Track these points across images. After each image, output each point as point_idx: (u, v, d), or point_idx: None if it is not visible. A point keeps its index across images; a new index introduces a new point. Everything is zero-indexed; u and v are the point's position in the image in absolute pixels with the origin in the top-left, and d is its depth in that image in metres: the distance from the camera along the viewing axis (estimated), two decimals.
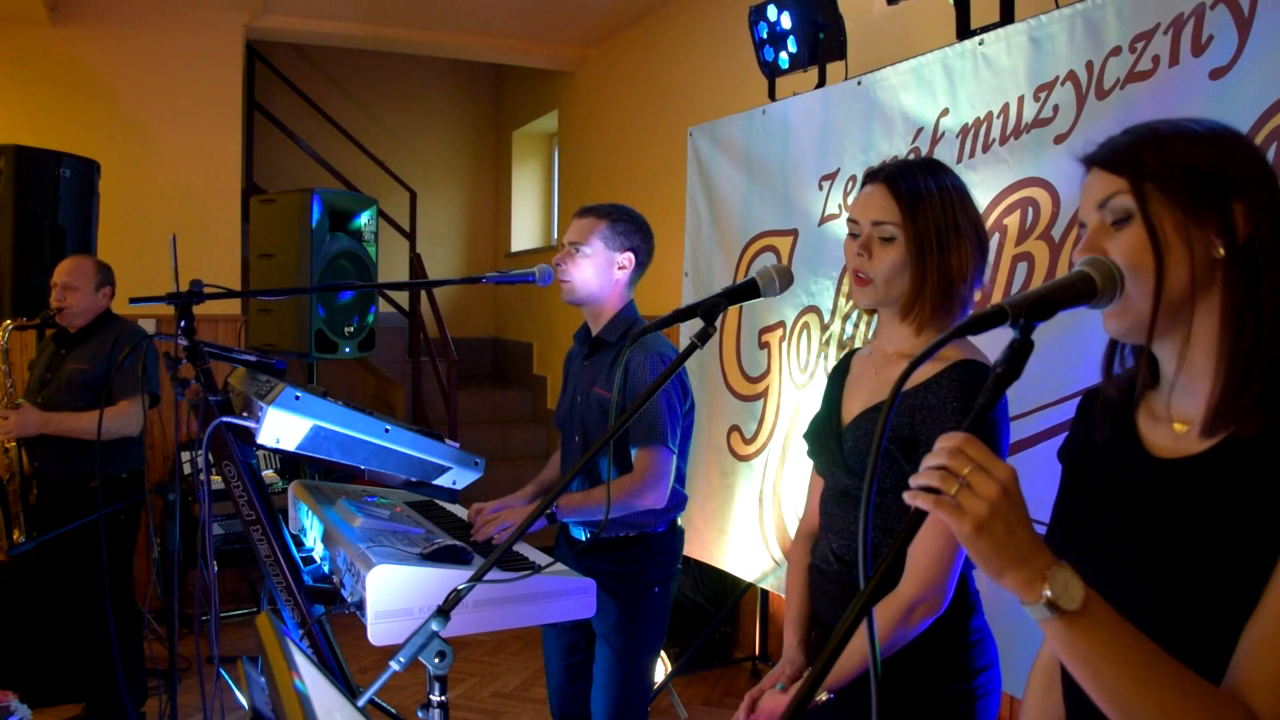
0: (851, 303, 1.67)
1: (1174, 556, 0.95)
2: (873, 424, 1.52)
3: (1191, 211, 0.95)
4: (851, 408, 1.61)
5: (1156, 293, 0.95)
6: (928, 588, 1.45)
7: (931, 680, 1.52)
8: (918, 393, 1.48)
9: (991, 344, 0.92)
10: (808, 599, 1.69)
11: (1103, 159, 1.02)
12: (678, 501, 2.33)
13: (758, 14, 3.44)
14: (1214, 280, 0.95)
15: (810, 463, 1.73)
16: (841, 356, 1.77)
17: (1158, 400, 1.05)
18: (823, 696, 1.47)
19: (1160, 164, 0.97)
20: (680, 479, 2.32)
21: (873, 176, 1.55)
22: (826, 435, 1.63)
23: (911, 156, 2.83)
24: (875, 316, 1.65)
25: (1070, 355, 2.21)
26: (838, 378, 1.71)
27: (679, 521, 2.43)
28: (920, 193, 1.48)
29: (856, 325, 1.72)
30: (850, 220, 1.56)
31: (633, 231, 2.38)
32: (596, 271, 2.34)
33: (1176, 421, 1.01)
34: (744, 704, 1.58)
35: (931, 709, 1.52)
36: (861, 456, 1.52)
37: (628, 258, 2.36)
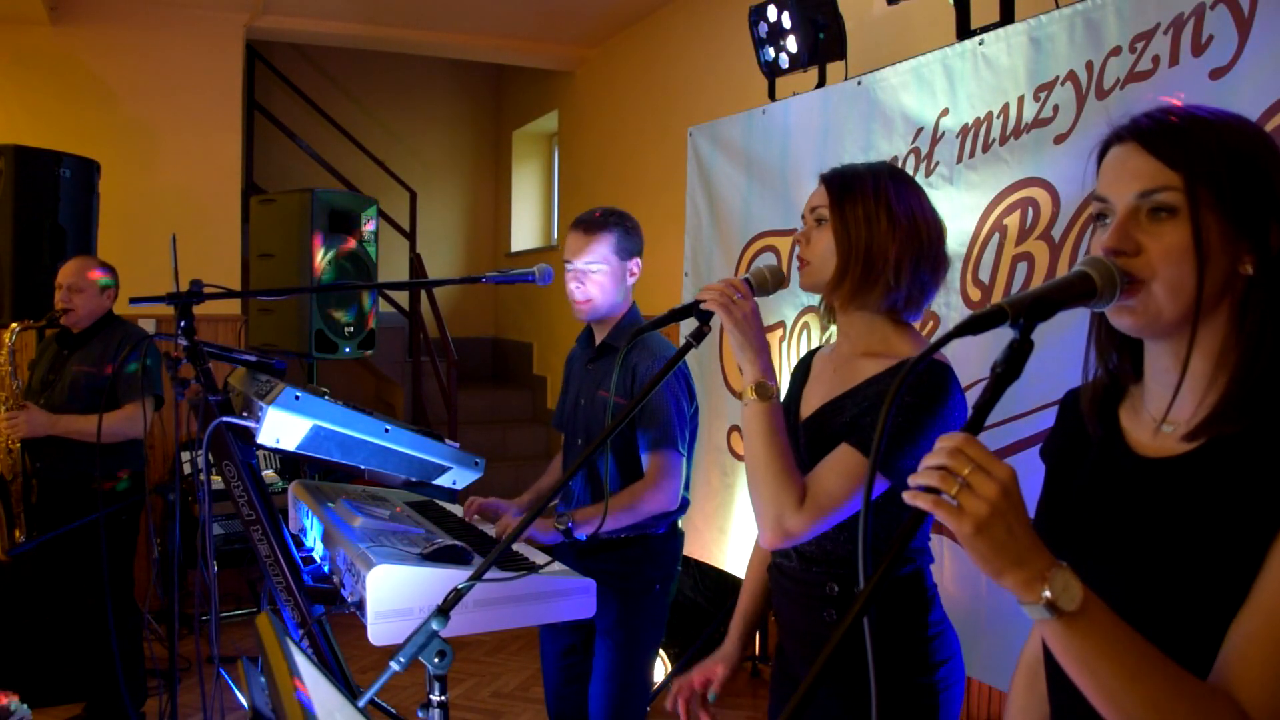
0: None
1: (1159, 554, 0.95)
2: (827, 420, 1.57)
3: (1237, 226, 0.93)
4: (810, 404, 1.65)
5: (1196, 302, 0.93)
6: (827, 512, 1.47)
7: (895, 676, 1.53)
8: (873, 384, 1.54)
9: (991, 344, 0.92)
10: (759, 596, 1.79)
11: (1153, 141, 0.96)
12: (680, 506, 2.33)
13: (758, 14, 3.44)
14: (1233, 291, 0.94)
15: None
16: (804, 355, 1.81)
17: (1141, 397, 1.05)
18: None
19: (1216, 167, 0.93)
20: (685, 483, 2.33)
21: (819, 177, 1.66)
22: (787, 430, 1.65)
23: (911, 159, 2.83)
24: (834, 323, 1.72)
25: (1070, 355, 2.20)
26: (799, 376, 1.75)
27: (679, 524, 2.43)
28: (852, 184, 1.59)
29: (828, 324, 1.76)
30: (801, 217, 1.68)
31: (635, 235, 2.38)
32: (614, 284, 2.34)
33: (1163, 421, 1.01)
34: (676, 691, 1.70)
35: (897, 704, 1.52)
36: (817, 453, 1.55)
37: (636, 264, 2.38)
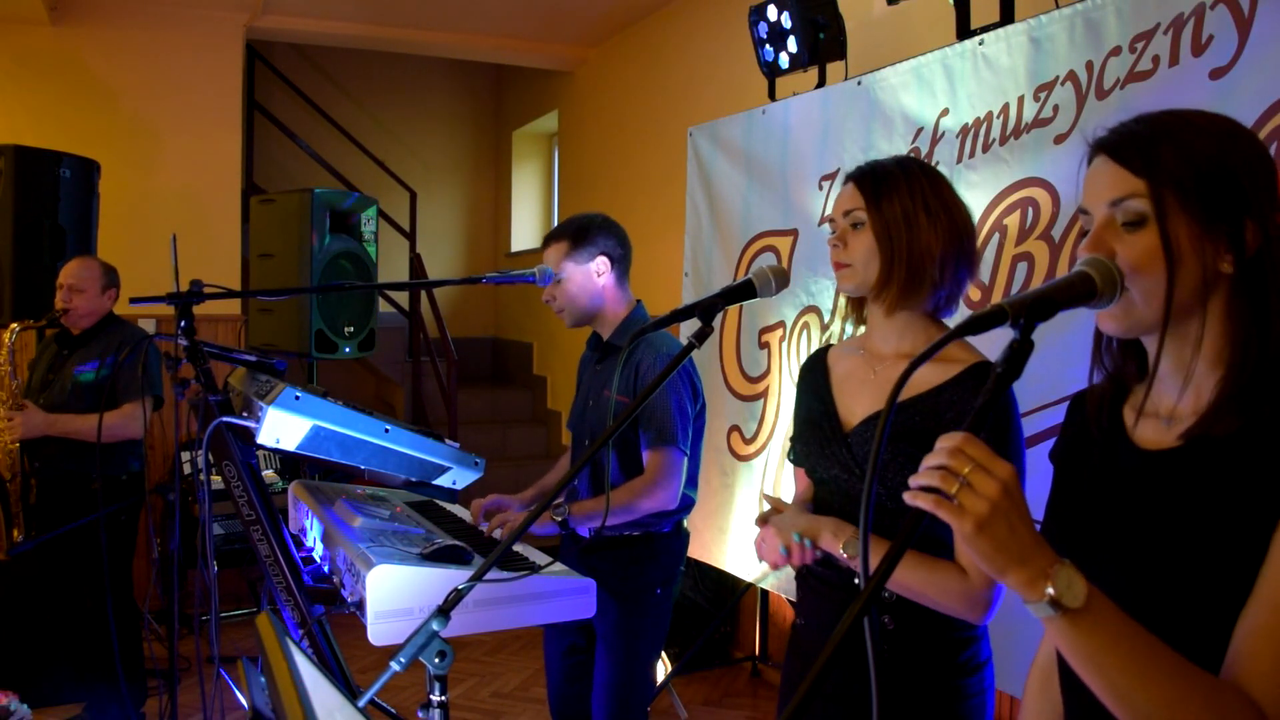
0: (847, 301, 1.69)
1: (1161, 547, 0.96)
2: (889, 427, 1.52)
3: (1206, 224, 0.94)
4: (855, 410, 1.60)
5: (1167, 303, 0.94)
6: (993, 598, 1.46)
7: (939, 677, 1.52)
8: (939, 394, 1.49)
9: (992, 345, 0.92)
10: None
11: (1118, 151, 0.99)
12: (686, 504, 2.33)
13: (758, 14, 3.44)
14: (1217, 289, 0.95)
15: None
16: (812, 355, 1.76)
17: (1143, 393, 1.06)
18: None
19: (1179, 170, 0.94)
20: (691, 482, 2.32)
21: (846, 179, 1.62)
22: (828, 438, 1.60)
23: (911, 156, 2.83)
24: (862, 324, 1.68)
25: (1070, 355, 2.21)
26: (819, 376, 1.69)
27: (684, 524, 2.43)
28: (885, 182, 1.55)
29: (851, 325, 1.72)
30: (829, 220, 1.63)
31: (595, 236, 2.37)
32: (579, 290, 2.36)
33: (1163, 415, 1.02)
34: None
35: (934, 706, 1.52)
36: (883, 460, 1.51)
37: (601, 263, 2.37)
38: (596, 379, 2.43)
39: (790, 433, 1.74)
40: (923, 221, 1.51)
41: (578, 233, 2.37)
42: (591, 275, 2.36)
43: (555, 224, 7.24)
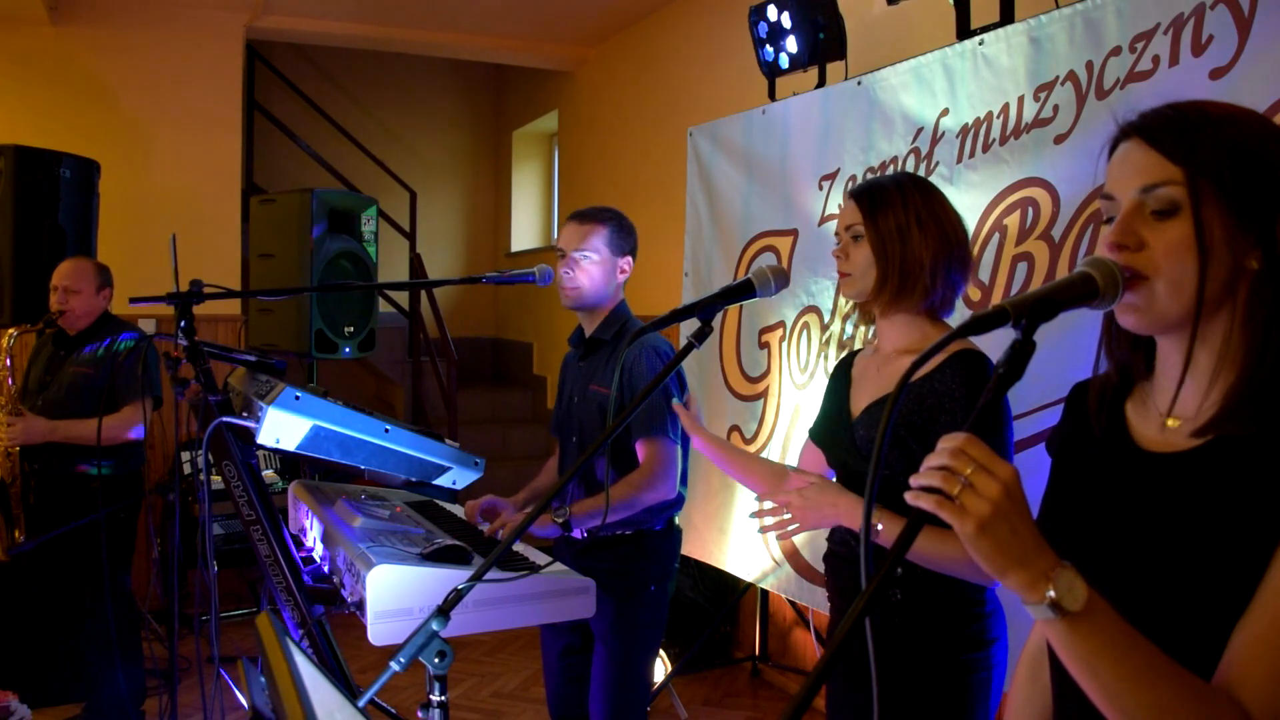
0: (852, 303, 1.83)
1: (1161, 551, 0.95)
2: (878, 416, 1.69)
3: (1240, 219, 0.92)
4: (859, 402, 1.78)
5: (1198, 298, 0.92)
6: None
7: (945, 650, 1.60)
8: (924, 381, 1.62)
9: (993, 345, 0.91)
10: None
11: (1154, 136, 0.95)
12: (677, 501, 2.33)
13: (758, 14, 3.44)
14: (1239, 286, 0.93)
15: (799, 450, 1.93)
16: (843, 356, 1.93)
17: (1149, 393, 1.05)
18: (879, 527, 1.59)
19: (1218, 159, 0.92)
20: (682, 478, 2.32)
21: (848, 196, 1.79)
22: (838, 427, 1.80)
23: (911, 159, 2.83)
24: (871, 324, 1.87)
25: (1070, 355, 2.21)
26: (842, 375, 1.88)
27: (676, 520, 2.43)
28: (882, 199, 1.71)
29: (857, 326, 1.88)
30: (835, 234, 1.81)
31: (629, 234, 2.43)
32: (603, 276, 2.38)
33: (1169, 416, 1.00)
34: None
35: (944, 677, 1.60)
36: (870, 451, 1.69)
37: (627, 263, 2.41)
38: (581, 375, 2.43)
39: (814, 419, 1.93)
40: (915, 234, 1.67)
41: (620, 225, 2.41)
42: (617, 269, 2.40)
43: (555, 224, 7.30)
